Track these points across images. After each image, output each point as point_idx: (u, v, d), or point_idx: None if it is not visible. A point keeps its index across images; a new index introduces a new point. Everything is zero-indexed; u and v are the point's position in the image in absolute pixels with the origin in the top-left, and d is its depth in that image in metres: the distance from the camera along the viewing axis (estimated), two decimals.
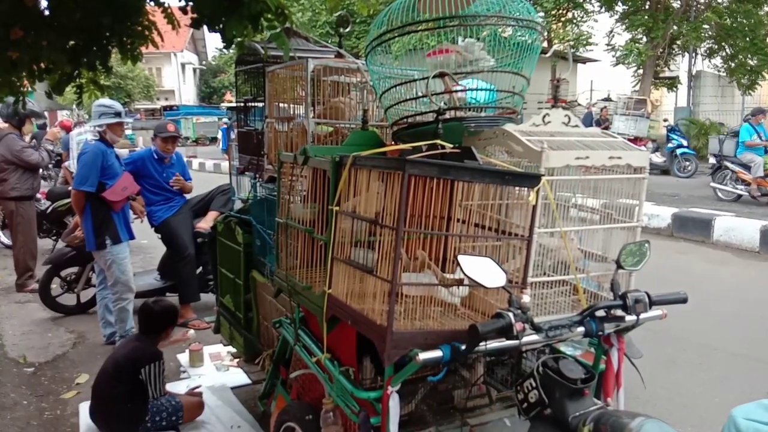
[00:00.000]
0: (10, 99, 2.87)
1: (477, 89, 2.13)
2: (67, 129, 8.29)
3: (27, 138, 6.21)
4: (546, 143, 1.77)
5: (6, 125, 5.92)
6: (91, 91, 2.69)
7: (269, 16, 2.17)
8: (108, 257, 4.12)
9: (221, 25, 2.07)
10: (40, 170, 6.26)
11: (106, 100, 4.19)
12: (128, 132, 26.97)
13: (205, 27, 2.21)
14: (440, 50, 2.11)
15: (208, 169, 18.37)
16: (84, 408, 3.19)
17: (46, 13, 2.31)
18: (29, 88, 2.75)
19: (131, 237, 4.36)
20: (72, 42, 2.34)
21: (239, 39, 2.18)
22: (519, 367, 2.02)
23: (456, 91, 2.11)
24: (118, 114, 4.18)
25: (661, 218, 8.26)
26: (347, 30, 3.00)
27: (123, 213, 4.25)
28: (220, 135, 25.27)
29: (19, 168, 5.79)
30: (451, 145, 1.90)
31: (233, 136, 3.88)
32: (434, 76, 2.02)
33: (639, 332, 2.08)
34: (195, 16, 2.15)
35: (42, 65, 2.38)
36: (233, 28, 2.04)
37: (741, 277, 6.21)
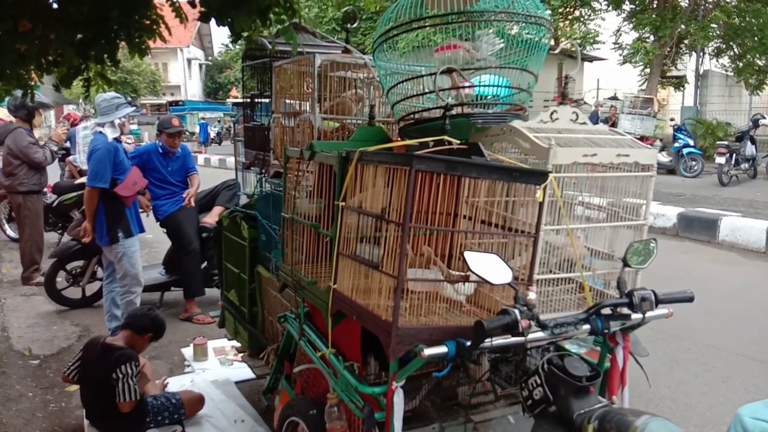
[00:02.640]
0: (18, 92, 2.87)
1: (488, 85, 2.12)
2: (71, 119, 8.33)
3: (36, 132, 6.23)
4: (554, 140, 1.76)
5: (16, 119, 5.94)
6: (98, 85, 2.69)
7: (277, 10, 2.17)
8: (119, 250, 4.14)
9: (230, 19, 2.07)
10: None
11: (112, 93, 4.20)
12: (133, 127, 27.09)
13: (213, 21, 2.21)
14: (448, 46, 2.10)
15: (213, 165, 18.40)
16: None
17: (55, 5, 2.31)
18: (37, 82, 2.75)
19: (142, 230, 4.39)
20: (80, 35, 2.34)
21: (247, 33, 2.17)
22: (523, 364, 2.03)
23: (463, 87, 2.10)
24: (128, 103, 4.24)
25: (666, 218, 8.24)
26: (354, 26, 2.99)
27: (134, 207, 4.28)
28: (198, 129, 25.35)
29: (26, 163, 5.81)
30: (459, 142, 1.90)
31: (239, 130, 3.89)
32: (442, 72, 2.01)
33: (643, 331, 2.08)
34: (203, 9, 2.15)
35: (50, 58, 2.38)
36: (242, 22, 2.04)
37: (746, 278, 6.19)
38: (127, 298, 4.23)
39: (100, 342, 3.00)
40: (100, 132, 4.08)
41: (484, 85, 2.13)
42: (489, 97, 2.14)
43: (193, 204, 4.86)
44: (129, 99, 4.47)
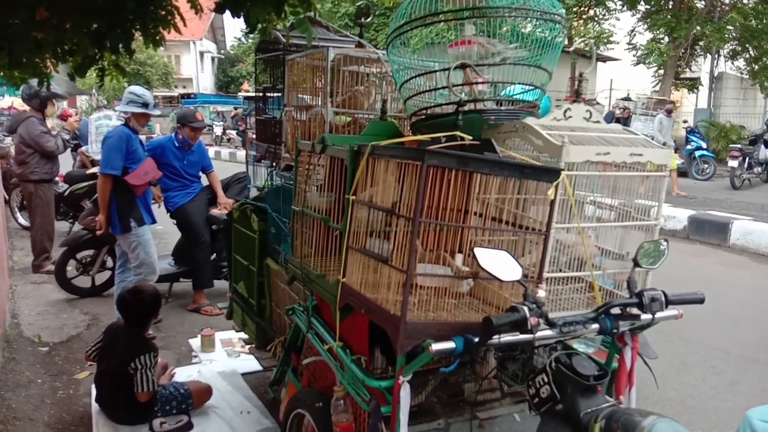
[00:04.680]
0: (34, 81, 2.89)
1: (503, 82, 2.11)
2: (64, 118, 8.39)
3: (49, 121, 6.27)
4: (567, 138, 1.75)
5: (29, 108, 5.98)
6: (113, 75, 2.70)
7: (293, 1, 2.17)
8: (133, 239, 4.15)
9: (245, 11, 2.07)
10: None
11: (137, 89, 4.24)
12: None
13: (227, 13, 2.21)
14: (462, 41, 2.09)
15: (223, 158, 18.48)
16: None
17: None
18: (52, 71, 2.77)
19: (153, 221, 4.40)
20: (96, 24, 2.35)
21: (262, 25, 2.17)
22: (530, 362, 2.02)
23: (477, 83, 2.10)
24: (145, 105, 4.20)
25: (677, 220, 8.18)
26: (368, 20, 2.99)
27: (144, 197, 4.29)
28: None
29: (38, 152, 5.85)
30: (471, 138, 1.89)
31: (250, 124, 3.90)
32: (456, 68, 2.01)
33: (652, 333, 2.07)
34: (218, 0, 2.15)
35: (66, 47, 2.39)
36: (257, 14, 2.04)
37: (756, 282, 6.14)
38: None
39: (125, 325, 3.06)
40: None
41: (505, 82, 2.12)
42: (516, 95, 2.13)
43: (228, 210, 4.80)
44: (154, 102, 4.40)
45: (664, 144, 10.93)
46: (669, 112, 13.07)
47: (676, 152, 12.96)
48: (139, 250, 4.18)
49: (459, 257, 1.78)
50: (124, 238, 4.20)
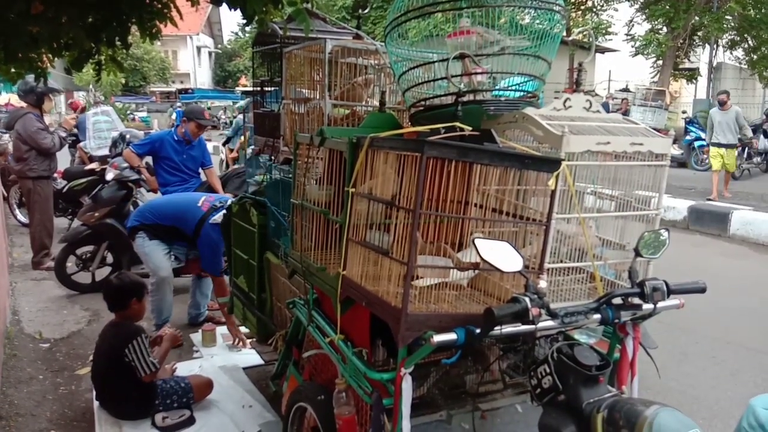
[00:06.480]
0: (30, 77, 2.87)
1: (502, 72, 2.10)
2: (75, 108, 8.38)
3: (47, 117, 6.24)
4: (567, 127, 1.74)
5: (26, 104, 5.94)
6: (110, 69, 2.68)
7: None
8: (138, 248, 4.07)
9: (242, 2, 2.06)
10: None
11: None
12: (143, 114, 27.16)
13: (224, 6, 2.19)
14: (461, 31, 2.08)
15: (222, 152, 18.43)
16: None
17: None
18: (48, 65, 2.75)
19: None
20: (91, 18, 2.33)
21: (260, 16, 2.15)
22: (532, 353, 2.02)
23: (476, 74, 2.08)
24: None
25: (677, 211, 8.18)
26: (365, 12, 2.97)
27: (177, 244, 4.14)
28: (174, 116, 25.37)
29: (35, 149, 5.81)
30: (470, 128, 1.88)
31: (248, 119, 3.89)
32: (455, 58, 1.99)
33: (652, 324, 2.07)
34: None
35: (62, 41, 2.38)
36: (254, 5, 2.02)
37: (756, 272, 6.14)
38: (152, 297, 3.98)
39: (111, 321, 3.10)
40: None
41: (499, 73, 2.11)
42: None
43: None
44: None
45: (726, 145, 9.45)
46: (722, 104, 10.00)
47: (674, 143, 12.95)
48: (144, 260, 4.07)
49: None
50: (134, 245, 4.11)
